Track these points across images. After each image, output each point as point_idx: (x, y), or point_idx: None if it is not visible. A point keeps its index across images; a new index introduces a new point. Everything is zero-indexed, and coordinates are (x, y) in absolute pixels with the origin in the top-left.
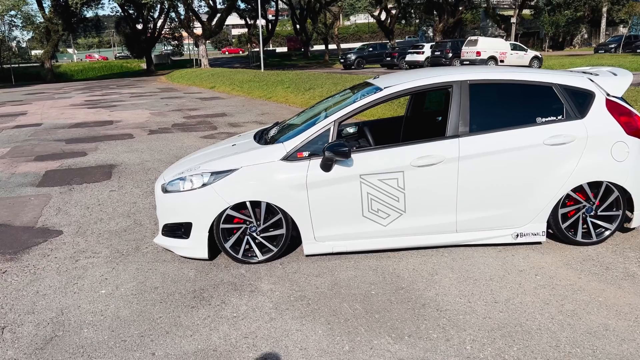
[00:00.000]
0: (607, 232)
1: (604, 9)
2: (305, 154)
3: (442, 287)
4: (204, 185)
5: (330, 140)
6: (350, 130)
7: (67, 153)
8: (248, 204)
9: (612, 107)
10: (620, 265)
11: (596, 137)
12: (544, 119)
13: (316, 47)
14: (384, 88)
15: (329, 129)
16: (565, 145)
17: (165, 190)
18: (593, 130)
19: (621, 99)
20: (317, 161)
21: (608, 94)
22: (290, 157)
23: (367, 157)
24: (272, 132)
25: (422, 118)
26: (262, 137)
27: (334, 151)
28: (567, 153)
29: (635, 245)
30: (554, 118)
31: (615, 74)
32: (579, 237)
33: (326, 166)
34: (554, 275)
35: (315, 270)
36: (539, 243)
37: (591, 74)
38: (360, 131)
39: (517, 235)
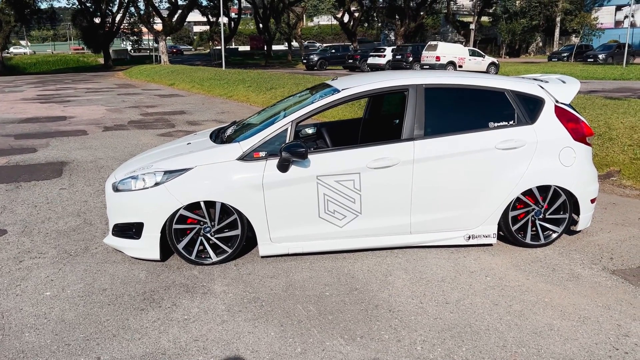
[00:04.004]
0: (555, 235)
1: (558, 19)
2: (262, 154)
3: (395, 288)
4: (156, 184)
5: (287, 141)
6: (309, 131)
7: (15, 149)
8: (202, 204)
9: (561, 113)
10: (566, 267)
11: (545, 143)
12: (496, 124)
13: (279, 47)
14: (342, 90)
15: (287, 129)
16: (516, 149)
17: (116, 189)
18: (542, 135)
19: (569, 105)
20: (273, 161)
21: (557, 101)
22: (246, 157)
23: (324, 158)
24: (229, 131)
25: (380, 121)
26: (218, 136)
27: (291, 152)
28: (517, 157)
29: (581, 247)
30: (506, 123)
31: (564, 82)
32: (528, 240)
33: (283, 167)
34: (504, 277)
35: (270, 272)
36: (490, 245)
37: (541, 80)
38: (319, 132)
39: (469, 237)
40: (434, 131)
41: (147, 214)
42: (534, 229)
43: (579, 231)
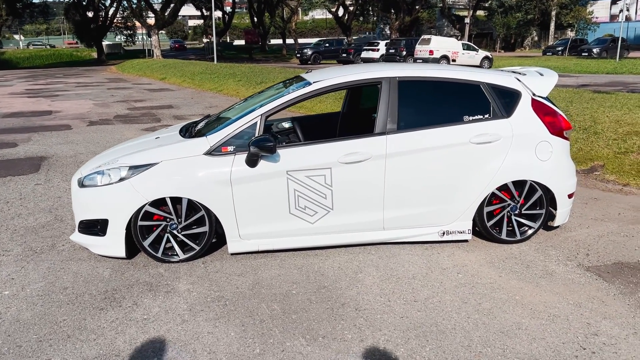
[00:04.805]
0: (531, 231)
1: (553, 13)
2: (230, 148)
3: (364, 285)
4: (121, 179)
5: (256, 135)
6: (286, 125)
7: None
8: (168, 200)
9: (538, 106)
10: (540, 264)
11: (521, 136)
12: (471, 118)
13: (274, 41)
14: (313, 82)
15: (256, 123)
16: (491, 144)
17: (81, 185)
18: (518, 129)
19: (546, 99)
20: (242, 156)
21: (534, 94)
22: (214, 152)
23: (295, 153)
24: (200, 125)
25: (357, 114)
26: (188, 131)
27: (259, 146)
28: (492, 152)
29: (558, 243)
30: (481, 117)
31: (541, 74)
32: (503, 236)
33: (251, 161)
34: (476, 274)
35: (238, 270)
36: (465, 241)
37: (519, 73)
38: (295, 126)
39: (444, 233)
40: (407, 125)
41: (112, 210)
42: (510, 224)
43: (557, 227)
